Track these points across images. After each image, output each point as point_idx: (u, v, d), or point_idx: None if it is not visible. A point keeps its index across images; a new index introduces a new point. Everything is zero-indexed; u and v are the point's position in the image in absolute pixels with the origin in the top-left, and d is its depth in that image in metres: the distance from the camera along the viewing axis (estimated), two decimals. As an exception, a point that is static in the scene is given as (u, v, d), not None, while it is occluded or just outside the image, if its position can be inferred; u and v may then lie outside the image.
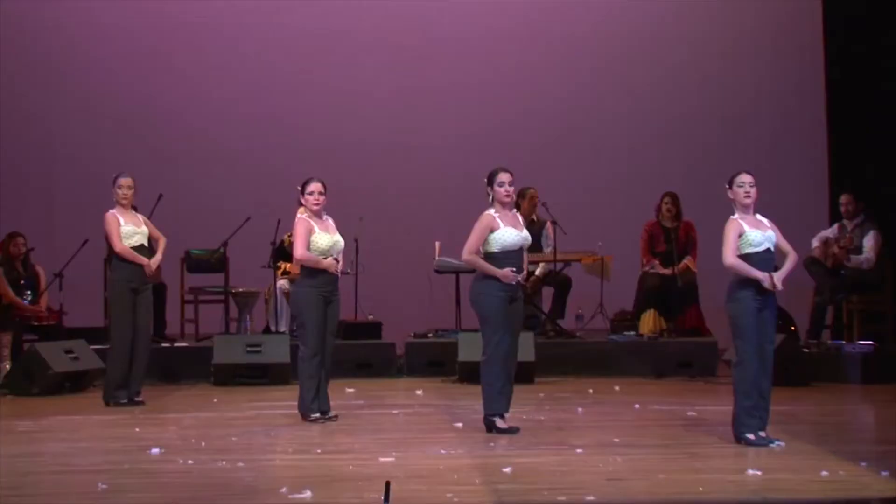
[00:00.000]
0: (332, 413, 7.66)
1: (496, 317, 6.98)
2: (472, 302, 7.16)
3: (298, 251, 7.52)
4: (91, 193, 12.40)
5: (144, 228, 8.65)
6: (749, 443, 6.51)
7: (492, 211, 7.09)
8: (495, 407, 7.07)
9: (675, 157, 12.62)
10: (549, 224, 10.81)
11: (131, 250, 8.48)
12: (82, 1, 12.69)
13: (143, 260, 8.52)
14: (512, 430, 7.04)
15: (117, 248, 8.47)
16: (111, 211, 8.56)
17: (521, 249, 7.12)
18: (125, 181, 8.57)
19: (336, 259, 7.62)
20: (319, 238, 7.53)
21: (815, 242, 10.57)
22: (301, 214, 7.61)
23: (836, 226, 10.74)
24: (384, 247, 11.61)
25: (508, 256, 7.01)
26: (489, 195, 7.15)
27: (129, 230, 8.50)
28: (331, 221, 7.72)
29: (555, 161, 12.32)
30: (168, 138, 12.61)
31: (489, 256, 7.02)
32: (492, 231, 7.01)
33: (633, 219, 11.36)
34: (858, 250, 10.39)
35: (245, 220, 10.33)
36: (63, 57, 12.62)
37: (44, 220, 12.32)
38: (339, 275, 7.73)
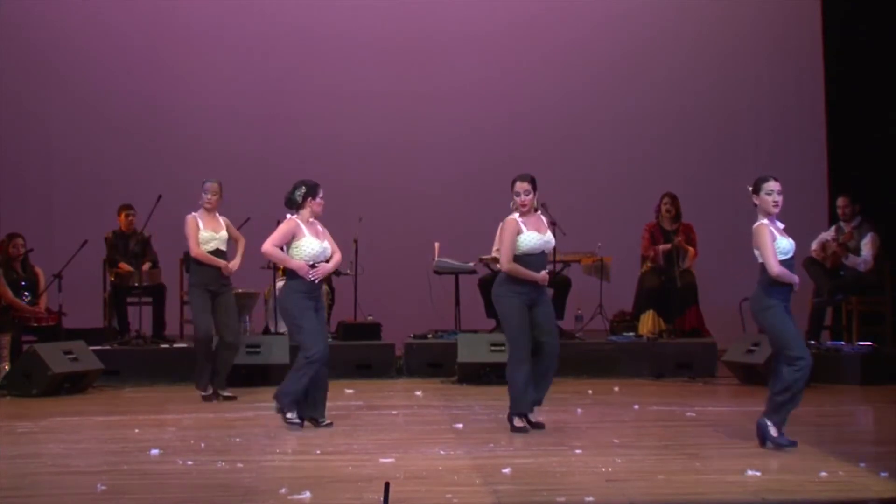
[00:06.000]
0: (326, 421, 7.52)
1: (516, 317, 7.12)
2: (493, 304, 7.41)
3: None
4: (90, 194, 12.45)
5: (223, 234, 8.86)
6: (774, 441, 6.38)
7: (515, 215, 7.21)
8: (519, 407, 7.19)
9: (674, 158, 12.63)
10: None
11: (207, 254, 8.71)
12: (82, 1, 12.70)
13: (221, 262, 8.78)
14: (530, 428, 7.15)
15: (193, 251, 8.73)
16: (192, 214, 8.78)
17: (542, 252, 7.26)
18: (211, 186, 8.78)
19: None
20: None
21: (814, 245, 10.55)
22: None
23: (832, 228, 10.72)
24: (383, 248, 11.62)
25: (532, 259, 7.14)
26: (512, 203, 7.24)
27: (207, 236, 8.74)
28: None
29: (554, 161, 12.29)
30: (167, 139, 12.62)
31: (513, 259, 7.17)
32: (517, 235, 7.16)
33: (633, 220, 11.37)
34: (856, 250, 10.38)
35: (244, 221, 10.30)
36: (63, 57, 12.63)
37: (43, 220, 12.33)
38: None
